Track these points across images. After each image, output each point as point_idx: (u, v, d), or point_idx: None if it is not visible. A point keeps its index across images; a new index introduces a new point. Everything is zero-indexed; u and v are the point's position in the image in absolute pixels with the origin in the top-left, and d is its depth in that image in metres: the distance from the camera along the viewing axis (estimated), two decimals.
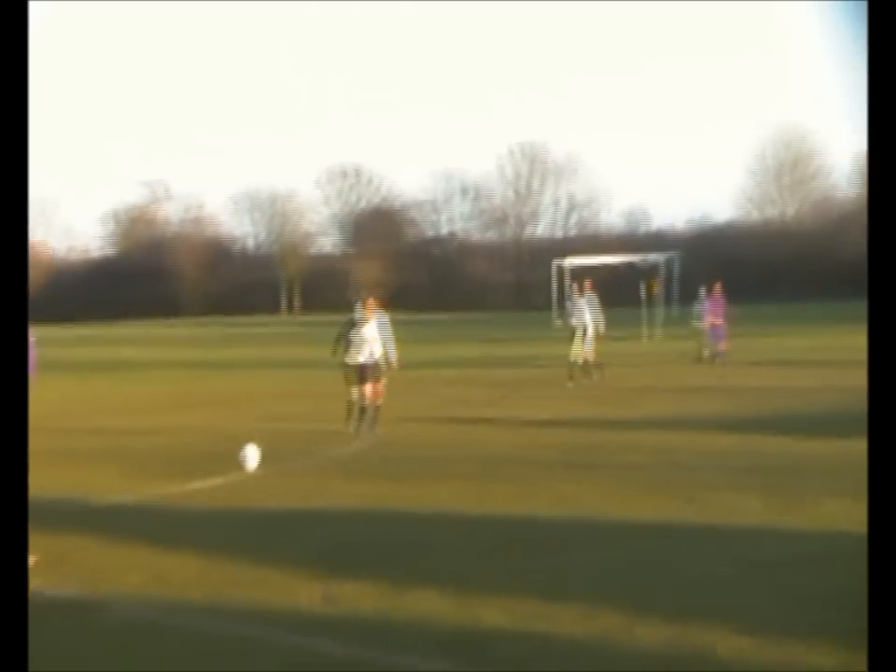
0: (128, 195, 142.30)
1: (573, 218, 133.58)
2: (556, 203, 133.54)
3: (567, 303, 31.05)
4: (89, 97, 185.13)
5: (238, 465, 15.28)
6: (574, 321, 28.82)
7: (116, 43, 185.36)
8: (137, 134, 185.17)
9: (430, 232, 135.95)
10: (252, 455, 15.31)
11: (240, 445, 15.30)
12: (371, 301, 20.01)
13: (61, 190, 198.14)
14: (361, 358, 19.19)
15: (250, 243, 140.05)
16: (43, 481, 14.71)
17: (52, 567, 9.95)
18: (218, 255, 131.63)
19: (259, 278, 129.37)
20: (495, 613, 8.26)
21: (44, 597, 9.01)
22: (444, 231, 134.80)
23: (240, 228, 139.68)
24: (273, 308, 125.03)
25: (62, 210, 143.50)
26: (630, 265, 57.90)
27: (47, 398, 25.34)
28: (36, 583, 9.41)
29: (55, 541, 11.02)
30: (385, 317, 20.56)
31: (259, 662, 7.39)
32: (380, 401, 19.28)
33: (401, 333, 21.74)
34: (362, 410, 19.01)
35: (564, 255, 63.09)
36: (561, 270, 59.36)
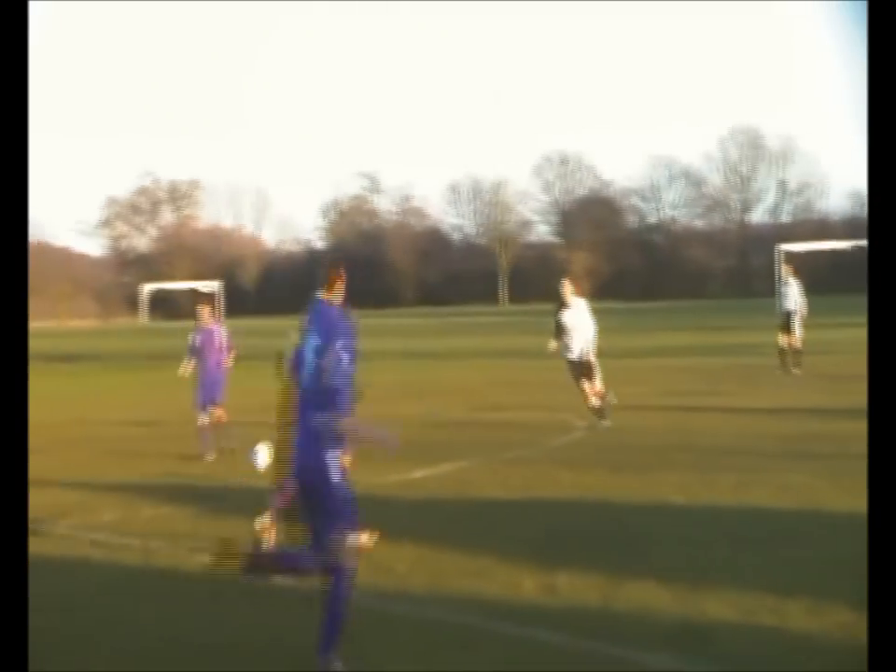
0: (343, 187, 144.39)
1: (793, 203, 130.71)
2: (776, 187, 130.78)
3: (780, 290, 30.43)
4: (309, 90, 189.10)
5: (456, 454, 15.34)
6: (784, 308, 28.35)
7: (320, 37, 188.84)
8: (351, 126, 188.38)
9: (647, 219, 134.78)
10: (262, 455, 15.22)
11: (458, 435, 15.30)
12: (568, 288, 19.22)
13: (275, 183, 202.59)
14: (572, 354, 18.74)
15: (462, 233, 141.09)
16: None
17: None
18: (433, 245, 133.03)
19: (474, 268, 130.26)
20: (719, 606, 8.08)
21: (268, 585, 9.20)
22: (660, 217, 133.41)
23: (452, 218, 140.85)
24: (487, 298, 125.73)
25: (277, 202, 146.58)
26: (859, 248, 56.18)
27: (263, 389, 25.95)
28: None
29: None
30: (584, 305, 19.41)
31: (482, 651, 7.37)
32: (598, 397, 18.65)
33: (618, 322, 21.57)
34: (593, 408, 18.54)
35: (786, 240, 61.61)
36: (784, 256, 58.03)
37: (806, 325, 28.52)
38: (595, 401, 18.37)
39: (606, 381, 19.04)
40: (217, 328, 18.19)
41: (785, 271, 29.26)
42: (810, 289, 29.51)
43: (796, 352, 27.92)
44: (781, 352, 28.05)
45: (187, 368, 18.06)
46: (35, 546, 7.39)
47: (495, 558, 9.73)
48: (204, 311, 18.44)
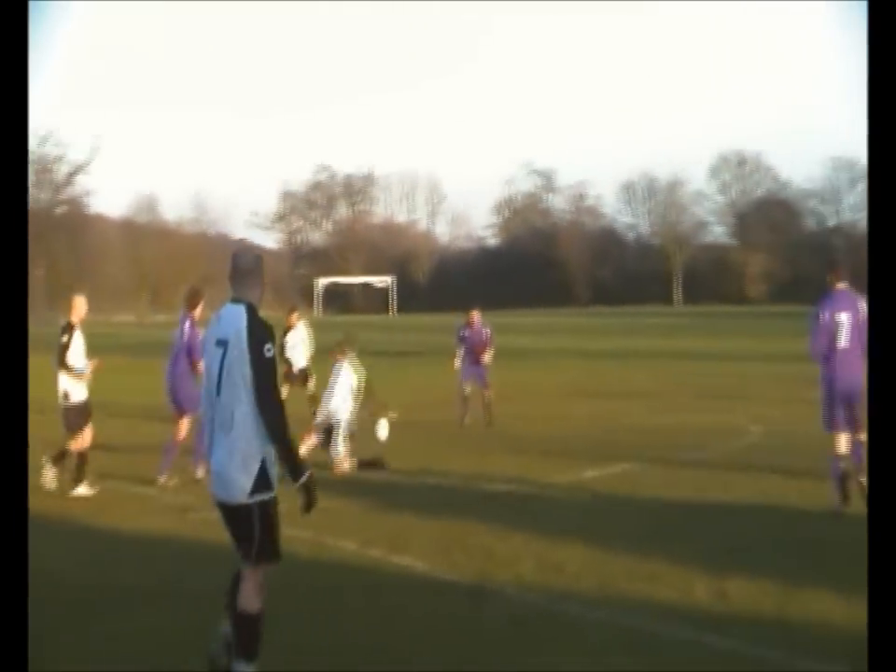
0: (518, 184, 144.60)
1: None
2: None
3: None
4: (485, 85, 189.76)
5: (628, 455, 15.21)
6: None
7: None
8: (527, 122, 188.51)
9: (826, 223, 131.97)
10: (383, 427, 16.70)
11: (630, 436, 15.15)
12: None
13: (450, 179, 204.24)
14: None
15: (636, 232, 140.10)
16: (444, 466, 15.23)
17: (446, 552, 10.18)
18: (607, 244, 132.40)
19: (648, 268, 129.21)
20: None
21: (437, 581, 9.24)
22: (840, 221, 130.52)
23: (626, 217, 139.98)
24: (662, 298, 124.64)
25: (451, 198, 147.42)
26: None
27: (440, 384, 26.13)
28: (431, 566, 9.72)
29: (451, 526, 11.28)
30: None
31: (651, 655, 7.28)
32: None
33: (798, 326, 21.05)
34: None
35: None
36: None
37: None
38: None
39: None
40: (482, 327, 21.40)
41: None
42: None
43: None
44: None
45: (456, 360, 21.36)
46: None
47: (667, 561, 9.61)
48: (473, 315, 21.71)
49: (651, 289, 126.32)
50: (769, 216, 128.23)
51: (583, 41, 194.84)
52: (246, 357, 6.53)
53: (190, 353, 14.32)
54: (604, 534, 10.81)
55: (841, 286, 12.03)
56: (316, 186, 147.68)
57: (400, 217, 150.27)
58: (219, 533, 7.11)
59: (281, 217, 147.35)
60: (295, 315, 21.84)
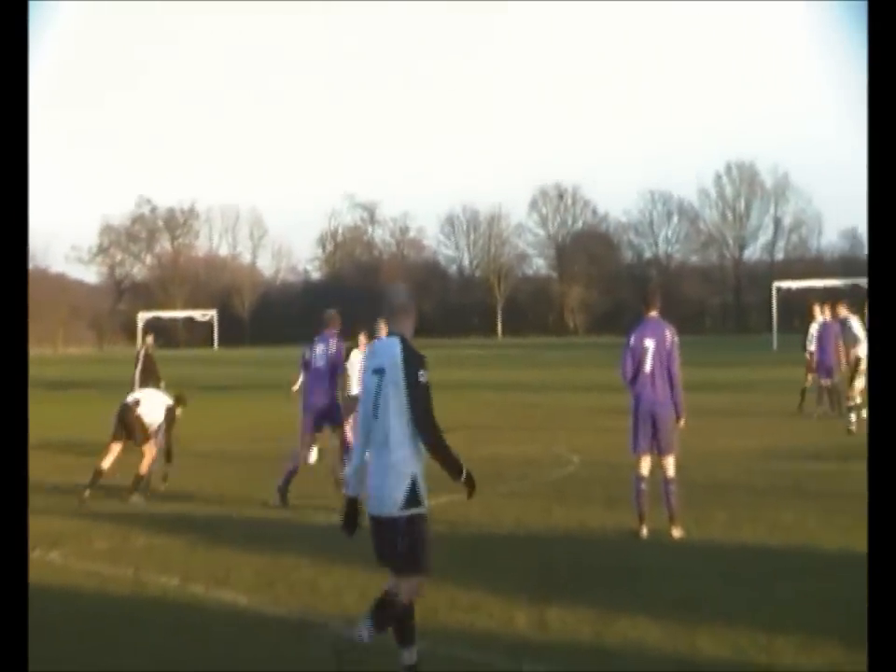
0: (341, 217, 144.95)
1: (789, 240, 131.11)
2: (771, 224, 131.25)
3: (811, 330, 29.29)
4: (307, 117, 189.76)
5: (449, 487, 15.33)
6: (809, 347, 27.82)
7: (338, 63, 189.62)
8: (348, 155, 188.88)
9: (643, 255, 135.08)
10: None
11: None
12: None
13: (272, 212, 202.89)
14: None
15: (459, 265, 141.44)
16: (269, 499, 15.15)
17: (270, 586, 10.16)
18: (430, 277, 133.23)
19: (471, 300, 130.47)
20: (712, 642, 8.09)
21: (260, 615, 9.21)
22: (656, 253, 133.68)
23: (448, 250, 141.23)
24: (484, 330, 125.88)
25: (274, 231, 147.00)
26: (854, 287, 56.23)
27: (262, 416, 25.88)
28: (254, 601, 9.68)
29: (275, 560, 11.26)
30: None
31: None
32: None
33: (612, 357, 21.52)
34: None
35: (782, 278, 61.78)
36: (780, 293, 58.25)
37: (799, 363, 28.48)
38: None
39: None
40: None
41: (817, 309, 27.82)
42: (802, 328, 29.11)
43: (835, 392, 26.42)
44: (805, 390, 27.73)
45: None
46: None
47: (488, 591, 9.73)
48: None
49: (474, 321, 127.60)
50: (588, 248, 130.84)
51: (401, 77, 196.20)
52: (402, 383, 7.35)
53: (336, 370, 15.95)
54: None
55: (652, 314, 12.60)
56: (138, 219, 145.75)
57: (223, 251, 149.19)
58: None
59: (101, 251, 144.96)
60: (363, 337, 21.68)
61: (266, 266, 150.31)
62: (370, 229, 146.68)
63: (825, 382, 26.45)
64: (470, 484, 7.56)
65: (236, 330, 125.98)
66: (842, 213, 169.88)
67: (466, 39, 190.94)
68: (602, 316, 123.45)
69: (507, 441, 22.69)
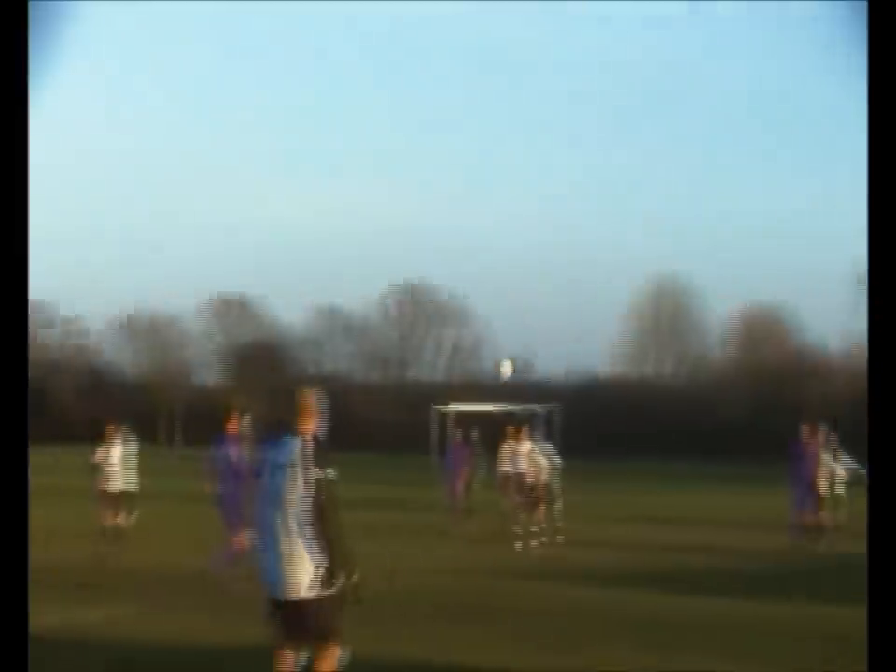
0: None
1: (457, 363, 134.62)
2: (440, 346, 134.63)
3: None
4: None
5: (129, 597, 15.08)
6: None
7: None
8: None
9: (314, 370, 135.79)
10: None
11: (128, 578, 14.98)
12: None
13: None
14: None
15: (129, 371, 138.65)
16: None
17: None
18: (99, 382, 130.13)
19: (142, 409, 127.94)
20: None
21: None
22: (324, 368, 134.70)
23: (120, 355, 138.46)
24: (150, 438, 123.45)
25: None
26: (510, 414, 58.32)
27: None
28: None
29: None
30: None
31: None
32: None
33: None
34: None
35: (446, 400, 63.46)
36: (442, 415, 59.73)
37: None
38: None
39: None
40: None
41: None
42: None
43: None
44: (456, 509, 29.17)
45: None
46: None
47: None
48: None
49: (140, 429, 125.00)
50: (259, 360, 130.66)
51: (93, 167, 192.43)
52: (306, 478, 8.08)
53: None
54: None
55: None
56: None
57: None
58: None
59: None
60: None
61: None
62: (43, 331, 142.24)
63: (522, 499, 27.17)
64: (355, 589, 8.25)
65: None
66: (512, 340, 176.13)
67: None
68: (269, 427, 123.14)
69: (173, 550, 22.39)
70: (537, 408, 58.74)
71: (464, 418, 46.10)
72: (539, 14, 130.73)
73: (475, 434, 33.12)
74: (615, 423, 77.61)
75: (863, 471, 25.96)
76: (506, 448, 29.07)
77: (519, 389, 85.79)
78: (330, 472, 8.18)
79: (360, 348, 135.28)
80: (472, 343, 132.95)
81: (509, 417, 54.44)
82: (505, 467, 28.76)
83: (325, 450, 8.36)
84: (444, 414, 58.05)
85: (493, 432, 34.27)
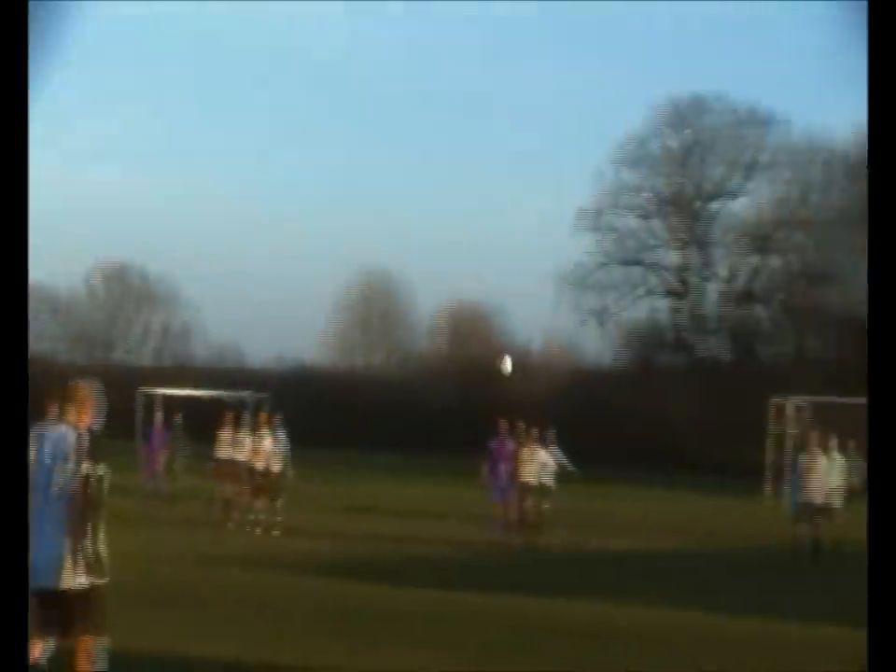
0: None
1: (165, 347, 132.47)
2: (147, 329, 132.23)
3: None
4: None
5: None
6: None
7: None
8: None
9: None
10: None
11: None
12: None
13: None
14: None
15: None
16: None
17: None
18: None
19: None
20: None
21: None
22: (31, 348, 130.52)
23: None
24: None
25: None
26: (218, 400, 57.65)
27: None
28: None
29: None
30: None
31: None
32: None
33: None
34: None
35: (152, 384, 62.23)
36: (148, 399, 58.54)
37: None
38: None
39: None
40: None
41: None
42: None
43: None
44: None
45: None
46: None
47: None
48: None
49: None
50: None
51: None
52: (75, 472, 8.06)
53: None
54: None
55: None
56: None
57: None
58: None
59: None
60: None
61: None
62: None
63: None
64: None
65: None
66: (222, 327, 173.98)
67: None
68: None
69: None
70: (245, 395, 58.23)
71: (170, 403, 45.67)
72: None
73: (178, 418, 32.78)
74: (324, 412, 77.65)
75: (571, 466, 26.88)
76: (223, 434, 28.64)
77: (226, 375, 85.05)
78: (101, 468, 8.15)
79: (66, 329, 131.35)
80: (181, 328, 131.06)
81: (217, 403, 54.09)
82: (222, 453, 28.33)
83: (98, 444, 8.26)
84: (150, 398, 56.87)
85: (201, 418, 33.97)
